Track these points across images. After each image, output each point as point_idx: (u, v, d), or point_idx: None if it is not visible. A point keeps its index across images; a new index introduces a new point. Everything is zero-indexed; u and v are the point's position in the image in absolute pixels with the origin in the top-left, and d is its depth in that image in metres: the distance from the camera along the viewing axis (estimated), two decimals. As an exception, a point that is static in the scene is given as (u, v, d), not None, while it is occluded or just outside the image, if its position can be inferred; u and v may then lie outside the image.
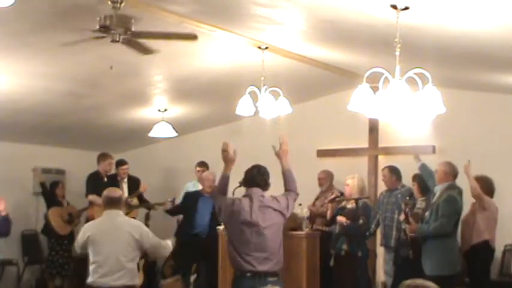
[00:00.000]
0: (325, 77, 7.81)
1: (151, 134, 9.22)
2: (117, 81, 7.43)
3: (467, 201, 6.91)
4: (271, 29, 5.80)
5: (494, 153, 7.97)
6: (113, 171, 9.36)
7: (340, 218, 7.46)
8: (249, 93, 6.55)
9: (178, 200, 9.20)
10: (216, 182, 5.45)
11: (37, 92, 7.51)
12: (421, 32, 5.16)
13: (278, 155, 5.53)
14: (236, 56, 6.77)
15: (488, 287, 6.97)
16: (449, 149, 8.10)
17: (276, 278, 5.15)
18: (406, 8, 4.47)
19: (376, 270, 8.22)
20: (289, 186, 5.47)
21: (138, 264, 9.04)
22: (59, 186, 9.60)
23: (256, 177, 5.46)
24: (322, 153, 9.28)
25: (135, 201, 9.16)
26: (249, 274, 5.15)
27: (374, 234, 7.93)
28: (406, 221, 6.90)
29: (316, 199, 8.53)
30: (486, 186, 6.95)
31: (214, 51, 6.59)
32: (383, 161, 8.68)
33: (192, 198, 8.64)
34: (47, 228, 9.27)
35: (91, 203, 8.90)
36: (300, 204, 7.46)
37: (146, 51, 5.64)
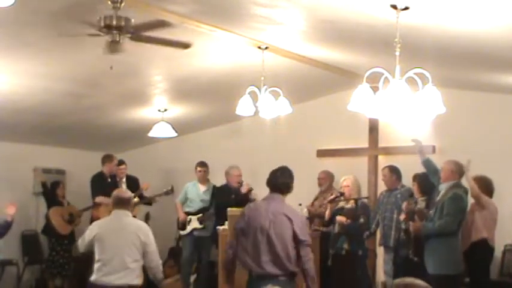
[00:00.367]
0: (325, 77, 7.81)
1: (151, 134, 9.22)
2: (117, 81, 7.43)
3: (468, 201, 6.90)
4: (271, 29, 5.80)
5: (494, 153, 7.97)
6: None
7: (340, 218, 7.47)
8: (249, 93, 6.55)
9: (180, 195, 9.23)
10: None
11: (37, 92, 7.51)
12: (421, 32, 5.16)
13: None
14: (236, 56, 6.77)
15: (488, 287, 6.97)
16: (449, 149, 8.10)
17: (280, 278, 5.13)
18: (406, 8, 4.48)
19: (376, 270, 8.22)
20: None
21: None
22: (59, 186, 9.62)
23: (278, 179, 5.28)
24: (322, 153, 9.28)
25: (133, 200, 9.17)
26: (257, 276, 5.16)
27: (374, 234, 7.93)
28: (407, 219, 6.89)
29: (315, 199, 8.54)
30: (485, 186, 6.95)
31: (214, 51, 6.59)
32: (383, 161, 8.68)
33: (225, 193, 8.57)
34: (48, 228, 9.28)
35: (95, 204, 8.92)
36: (300, 204, 7.48)
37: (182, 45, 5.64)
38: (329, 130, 9.22)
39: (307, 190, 8.33)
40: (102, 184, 8.94)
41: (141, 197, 9.26)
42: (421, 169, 7.30)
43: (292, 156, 8.97)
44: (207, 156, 9.43)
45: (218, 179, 9.36)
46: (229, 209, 8.26)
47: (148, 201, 9.34)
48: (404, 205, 7.15)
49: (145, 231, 5.71)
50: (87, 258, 5.80)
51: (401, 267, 7.03)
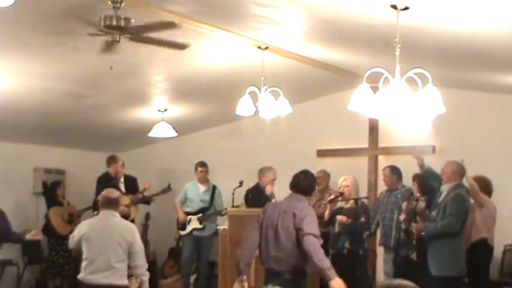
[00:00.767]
0: (325, 77, 7.81)
1: (151, 134, 9.22)
2: (117, 81, 7.43)
3: (470, 201, 6.91)
4: (271, 29, 5.80)
5: (494, 153, 7.97)
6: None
7: (341, 217, 7.47)
8: (249, 93, 6.55)
9: (180, 195, 9.23)
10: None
11: (37, 92, 7.51)
12: (421, 32, 5.16)
13: None
14: (236, 56, 6.77)
15: (488, 287, 6.97)
16: (449, 149, 8.10)
17: (285, 276, 5.25)
18: (406, 8, 4.47)
19: (376, 270, 8.22)
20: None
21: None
22: (60, 186, 9.62)
23: (302, 182, 5.52)
24: (322, 153, 9.28)
25: (127, 201, 9.19)
26: (267, 270, 5.41)
27: (374, 234, 7.93)
28: (407, 219, 6.88)
29: (319, 199, 8.52)
30: (484, 186, 6.97)
31: (214, 51, 6.59)
32: (383, 161, 8.68)
33: (258, 193, 8.40)
34: (48, 228, 9.28)
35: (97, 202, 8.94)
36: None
37: (178, 46, 5.66)
38: (329, 130, 9.22)
39: (307, 190, 8.31)
40: (107, 185, 8.95)
41: (143, 196, 9.28)
42: (420, 169, 7.32)
43: (292, 156, 8.98)
44: (207, 156, 9.43)
45: (218, 179, 9.36)
46: (229, 209, 8.29)
47: (146, 201, 9.35)
48: (404, 205, 7.15)
49: (132, 232, 5.81)
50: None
51: (402, 267, 7.02)
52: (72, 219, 9.38)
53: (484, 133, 8.15)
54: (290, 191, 5.58)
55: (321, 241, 5.34)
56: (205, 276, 9.17)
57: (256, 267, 6.85)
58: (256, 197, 8.12)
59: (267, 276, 5.41)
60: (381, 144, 8.91)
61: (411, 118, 5.27)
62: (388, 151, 8.80)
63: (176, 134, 9.35)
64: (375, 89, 4.70)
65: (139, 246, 5.81)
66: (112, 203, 5.89)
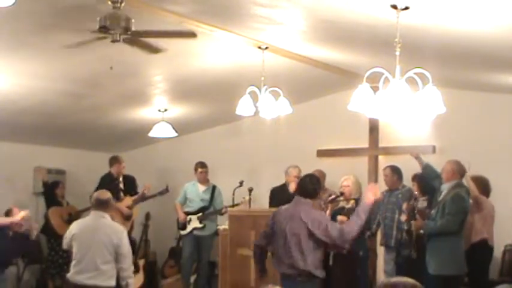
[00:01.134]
0: (325, 77, 7.81)
1: (151, 134, 9.22)
2: (117, 81, 7.43)
3: (469, 201, 6.91)
4: (271, 29, 5.80)
5: (494, 153, 7.97)
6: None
7: (341, 218, 7.45)
8: (249, 93, 6.55)
9: (180, 196, 9.24)
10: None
11: (37, 92, 7.51)
12: (421, 32, 5.16)
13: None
14: (236, 56, 6.77)
15: (487, 287, 6.98)
16: (449, 149, 8.10)
17: (298, 279, 5.38)
18: (406, 8, 4.47)
19: (376, 270, 8.21)
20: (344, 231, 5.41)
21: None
22: (59, 186, 9.62)
23: (308, 185, 5.60)
24: (322, 153, 9.28)
25: (129, 202, 9.20)
26: (281, 274, 5.51)
27: (375, 234, 7.93)
28: (409, 219, 6.88)
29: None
30: (482, 186, 6.98)
31: (214, 51, 6.59)
32: (383, 161, 8.68)
33: (284, 192, 8.29)
34: (47, 228, 9.28)
35: None
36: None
37: (153, 50, 5.66)
38: (329, 130, 9.22)
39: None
40: (111, 185, 8.97)
41: (143, 197, 9.29)
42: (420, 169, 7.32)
43: (292, 156, 8.98)
44: (207, 156, 9.43)
45: (218, 179, 9.36)
46: (229, 209, 8.30)
47: (142, 201, 9.35)
48: (404, 206, 7.14)
49: (119, 234, 5.83)
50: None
51: (403, 267, 7.02)
52: (72, 219, 9.34)
53: (484, 133, 8.15)
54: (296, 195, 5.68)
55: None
56: (206, 276, 9.17)
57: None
58: (281, 195, 8.13)
59: (281, 280, 5.48)
60: (381, 144, 8.91)
61: (411, 118, 5.27)
62: (388, 151, 8.80)
63: (176, 134, 9.35)
64: (375, 89, 4.70)
65: (125, 248, 5.83)
66: (102, 204, 5.94)
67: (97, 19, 4.98)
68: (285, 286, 5.07)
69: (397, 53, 4.55)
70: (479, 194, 6.86)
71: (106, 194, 6.09)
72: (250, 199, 8.36)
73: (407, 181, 7.74)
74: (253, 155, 9.71)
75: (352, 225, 5.35)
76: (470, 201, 6.83)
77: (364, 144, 8.97)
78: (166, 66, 7.09)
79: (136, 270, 8.78)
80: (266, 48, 6.36)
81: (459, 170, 6.72)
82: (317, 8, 4.94)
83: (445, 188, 6.71)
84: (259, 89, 6.44)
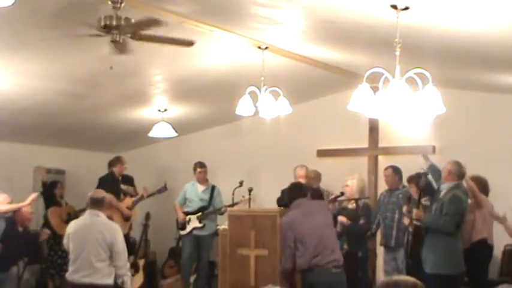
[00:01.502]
0: (325, 77, 7.81)
1: (151, 134, 9.22)
2: (117, 81, 7.43)
3: (467, 202, 6.90)
4: (271, 29, 5.80)
5: (494, 153, 7.97)
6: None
7: (341, 218, 7.47)
8: (249, 93, 6.55)
9: (179, 197, 9.23)
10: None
11: (37, 92, 7.51)
12: (421, 32, 5.16)
13: None
14: (236, 56, 6.77)
15: (487, 286, 6.98)
16: (449, 149, 8.10)
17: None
18: (406, 8, 4.47)
19: (376, 270, 8.22)
20: None
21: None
22: (57, 186, 9.61)
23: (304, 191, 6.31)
24: (322, 153, 9.28)
25: (129, 203, 9.20)
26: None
27: (375, 234, 7.93)
28: (411, 222, 6.86)
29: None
30: (481, 186, 6.99)
31: (214, 51, 6.59)
32: (383, 161, 8.69)
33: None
34: (46, 228, 9.25)
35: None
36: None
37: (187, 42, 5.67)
38: (329, 130, 9.22)
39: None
40: (113, 184, 8.99)
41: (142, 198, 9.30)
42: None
43: (292, 156, 8.98)
44: (207, 156, 9.43)
45: (218, 179, 9.36)
46: (229, 209, 8.29)
47: (141, 200, 9.37)
48: (404, 209, 7.13)
49: (113, 231, 5.87)
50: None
51: (413, 267, 7.01)
52: (71, 220, 9.33)
53: (484, 133, 8.15)
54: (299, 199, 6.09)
55: None
56: (205, 276, 9.16)
57: (256, 267, 6.87)
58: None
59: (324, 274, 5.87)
60: (381, 144, 8.91)
61: (411, 118, 5.27)
62: (388, 151, 8.80)
63: (176, 134, 9.35)
64: (375, 89, 4.70)
65: (119, 246, 5.86)
66: (96, 203, 6.01)
67: (97, 19, 4.99)
68: (331, 274, 5.70)
69: (397, 53, 4.55)
70: (477, 192, 6.86)
71: (101, 193, 6.18)
72: (250, 199, 8.36)
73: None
74: (253, 155, 9.71)
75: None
76: (469, 201, 6.84)
77: (364, 144, 8.97)
78: (166, 66, 7.09)
79: (136, 270, 8.79)
80: (266, 48, 6.36)
81: (459, 171, 6.72)
82: (317, 8, 4.94)
83: (444, 187, 6.72)
84: (259, 89, 6.44)
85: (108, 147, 10.37)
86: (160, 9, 5.19)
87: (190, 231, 9.09)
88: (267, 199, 8.52)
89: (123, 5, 4.92)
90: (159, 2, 5.10)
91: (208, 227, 9.05)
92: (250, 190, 8.45)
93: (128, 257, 6.30)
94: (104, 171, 9.36)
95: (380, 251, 8.01)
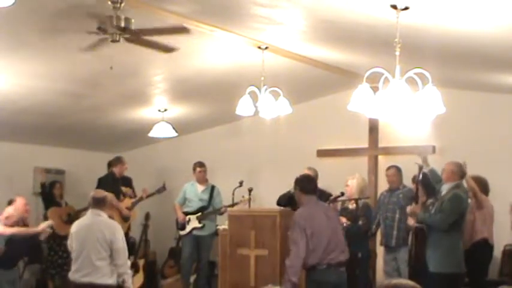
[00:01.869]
0: (325, 77, 7.81)
1: (151, 134, 9.22)
2: (117, 81, 7.43)
3: (468, 202, 6.91)
4: (271, 29, 5.80)
5: (494, 153, 7.97)
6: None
7: (341, 219, 7.46)
8: (249, 93, 6.55)
9: (179, 197, 9.24)
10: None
11: (37, 92, 7.51)
12: (421, 32, 5.16)
13: None
14: (236, 56, 6.77)
15: (487, 286, 6.98)
16: (449, 149, 8.10)
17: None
18: (406, 8, 4.48)
19: (376, 271, 8.21)
20: None
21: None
22: (56, 186, 9.60)
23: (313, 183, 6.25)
24: (322, 153, 9.28)
25: (129, 204, 9.21)
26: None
27: (375, 234, 7.93)
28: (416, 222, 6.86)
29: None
30: (481, 186, 6.99)
31: (214, 51, 6.59)
32: (383, 161, 8.69)
33: None
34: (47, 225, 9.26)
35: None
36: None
37: (167, 49, 5.67)
38: (329, 130, 9.22)
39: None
40: (114, 184, 8.99)
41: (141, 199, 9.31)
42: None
43: (292, 156, 8.99)
44: (206, 156, 9.43)
45: (218, 179, 9.36)
46: (229, 208, 8.29)
47: (140, 200, 9.37)
48: (408, 209, 7.11)
49: (112, 229, 5.90)
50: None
51: (415, 268, 7.01)
52: (71, 220, 9.35)
53: (484, 133, 8.15)
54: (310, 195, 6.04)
55: None
56: (205, 276, 9.16)
57: (256, 267, 6.86)
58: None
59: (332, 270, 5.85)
60: (381, 144, 8.91)
61: (411, 118, 5.27)
62: (388, 151, 8.80)
63: (176, 134, 9.35)
64: (374, 89, 4.70)
65: (119, 244, 5.87)
66: (98, 202, 6.04)
67: (97, 19, 4.99)
68: (337, 275, 5.73)
69: (397, 53, 4.55)
70: (479, 191, 6.87)
71: (102, 193, 6.20)
72: (250, 199, 8.36)
73: (407, 181, 7.74)
74: (253, 155, 9.71)
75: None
76: (469, 200, 6.84)
77: (364, 144, 8.97)
78: (166, 66, 7.09)
79: (136, 271, 8.80)
80: (266, 48, 6.36)
81: (458, 172, 6.74)
82: (317, 8, 4.94)
83: (444, 188, 6.73)
84: (259, 89, 6.44)
85: (108, 147, 10.37)
86: (160, 9, 5.20)
87: (190, 232, 9.08)
88: (267, 199, 8.51)
89: (123, 5, 4.92)
90: (159, 2, 5.10)
91: (208, 227, 9.04)
92: (250, 190, 8.45)
93: (128, 257, 6.30)
94: (104, 171, 9.37)
95: (380, 251, 8.01)
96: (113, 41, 5.14)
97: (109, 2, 4.91)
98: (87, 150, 10.45)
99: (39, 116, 8.52)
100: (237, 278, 7.05)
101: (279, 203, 7.95)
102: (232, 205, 8.58)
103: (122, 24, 5.00)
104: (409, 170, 7.57)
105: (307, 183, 6.07)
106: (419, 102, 4.55)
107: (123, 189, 9.22)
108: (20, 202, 7.43)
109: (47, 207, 9.41)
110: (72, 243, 6.04)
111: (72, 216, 9.37)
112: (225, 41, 6.16)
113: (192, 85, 7.85)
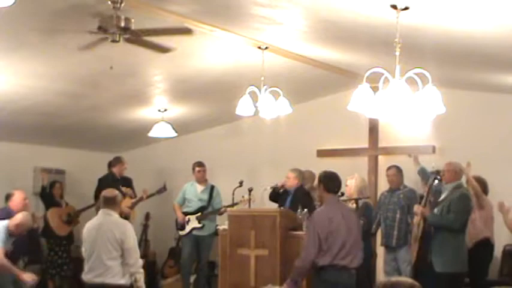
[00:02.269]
0: (325, 77, 7.82)
1: (151, 134, 9.22)
2: (117, 81, 7.43)
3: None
4: (271, 29, 5.80)
5: (494, 153, 7.97)
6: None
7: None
8: (249, 93, 6.55)
9: (178, 197, 9.25)
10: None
11: (37, 92, 7.51)
12: (421, 32, 5.16)
13: None
14: (236, 56, 6.77)
15: (487, 286, 6.99)
16: (449, 149, 8.10)
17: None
18: (406, 8, 4.48)
19: (376, 271, 8.21)
20: None
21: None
22: (55, 186, 9.59)
23: (335, 181, 5.83)
24: (322, 153, 9.28)
25: (129, 203, 9.21)
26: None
27: (375, 234, 7.93)
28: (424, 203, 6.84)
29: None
30: (481, 186, 7.00)
31: (214, 51, 6.59)
32: (383, 161, 8.69)
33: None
34: (46, 229, 9.26)
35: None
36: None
37: (163, 49, 5.66)
38: (329, 130, 9.22)
39: (307, 190, 8.31)
40: (114, 185, 8.96)
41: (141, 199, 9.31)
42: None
43: (292, 156, 8.98)
44: (206, 156, 9.42)
45: (218, 179, 9.35)
46: (228, 208, 8.29)
47: (141, 201, 9.37)
48: (415, 208, 7.08)
49: (122, 228, 5.83)
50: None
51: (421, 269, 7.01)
52: (71, 220, 9.37)
53: (484, 133, 8.15)
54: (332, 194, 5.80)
55: None
56: (205, 276, 9.16)
57: (256, 267, 6.86)
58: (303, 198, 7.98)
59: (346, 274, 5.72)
60: (381, 144, 8.91)
61: (411, 118, 5.27)
62: (388, 151, 8.80)
63: (176, 134, 9.35)
64: (374, 89, 4.70)
65: (130, 242, 5.80)
66: (108, 202, 5.95)
67: (97, 19, 4.99)
68: (348, 276, 5.58)
69: (397, 53, 4.55)
70: (481, 191, 6.89)
71: (113, 192, 6.10)
72: (250, 199, 8.35)
73: (407, 181, 7.75)
74: (253, 155, 9.71)
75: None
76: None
77: (364, 144, 8.97)
78: (166, 66, 7.09)
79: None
80: (266, 48, 6.36)
81: (460, 172, 6.77)
82: (317, 8, 4.94)
83: (446, 188, 6.73)
84: (259, 89, 6.44)
85: (108, 147, 10.37)
86: (160, 9, 5.20)
87: (190, 232, 9.08)
88: (267, 199, 8.51)
89: (123, 5, 4.92)
90: (159, 2, 5.10)
91: (207, 227, 9.04)
92: (250, 190, 8.44)
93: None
94: (104, 171, 9.37)
95: (380, 251, 8.00)
96: (113, 41, 5.14)
97: (109, 2, 4.91)
98: (87, 150, 10.45)
99: (39, 116, 8.52)
100: (237, 278, 7.04)
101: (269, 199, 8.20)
102: (232, 205, 8.57)
103: (122, 24, 5.00)
104: (409, 170, 7.58)
105: (331, 182, 5.75)
106: (419, 102, 4.56)
107: (123, 189, 9.21)
108: (18, 196, 7.41)
109: (47, 207, 9.41)
110: (84, 245, 5.95)
111: (72, 216, 9.38)
112: (225, 41, 6.16)
113: (192, 85, 7.85)
